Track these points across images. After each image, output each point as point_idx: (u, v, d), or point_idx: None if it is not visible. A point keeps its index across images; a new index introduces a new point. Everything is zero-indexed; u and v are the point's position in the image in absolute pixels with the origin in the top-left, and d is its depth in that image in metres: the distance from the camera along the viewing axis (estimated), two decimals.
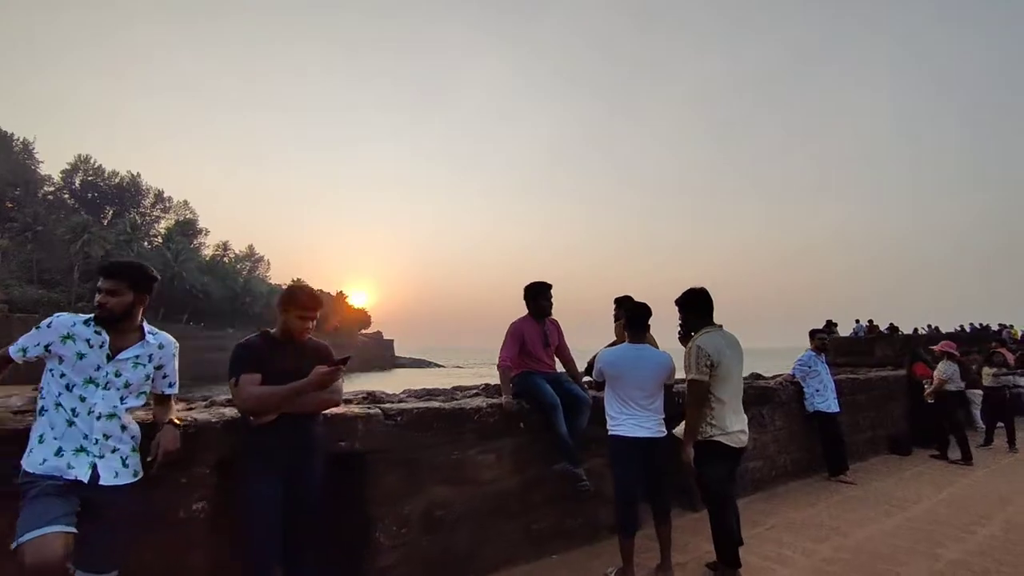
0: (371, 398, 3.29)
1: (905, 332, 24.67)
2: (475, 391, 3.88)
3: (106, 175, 73.76)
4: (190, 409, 2.68)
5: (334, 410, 2.79)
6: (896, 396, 8.04)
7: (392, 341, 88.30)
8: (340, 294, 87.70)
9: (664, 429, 3.26)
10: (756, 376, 6.51)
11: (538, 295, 3.91)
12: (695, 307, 3.30)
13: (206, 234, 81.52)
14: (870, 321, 25.64)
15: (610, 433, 3.30)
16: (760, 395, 5.57)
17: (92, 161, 72.98)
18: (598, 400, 3.70)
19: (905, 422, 7.96)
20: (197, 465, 2.35)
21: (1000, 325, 23.96)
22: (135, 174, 75.71)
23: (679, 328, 3.42)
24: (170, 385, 2.26)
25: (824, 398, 6.03)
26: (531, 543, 3.48)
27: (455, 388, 4.11)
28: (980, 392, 8.93)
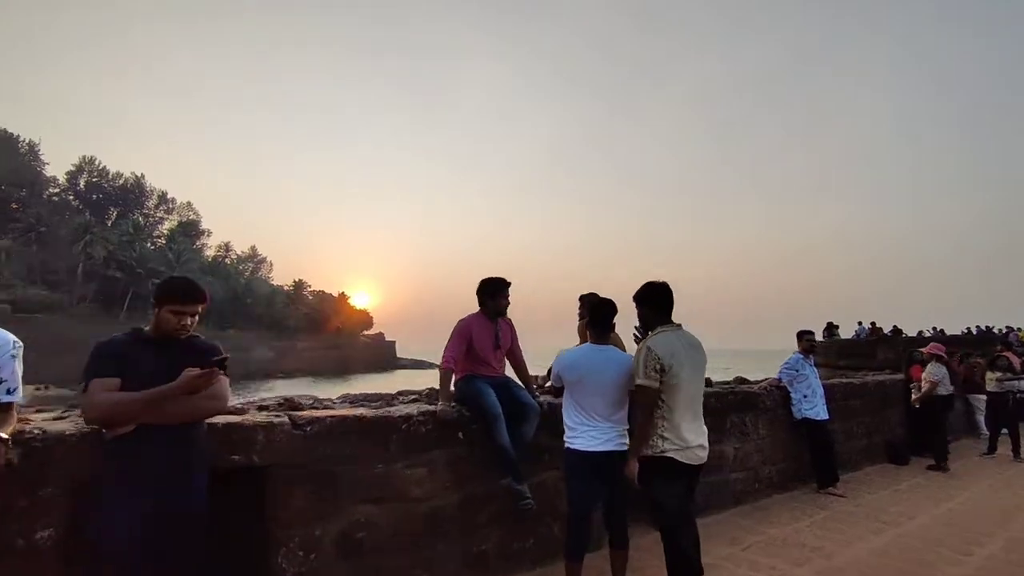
0: (288, 404, 2.96)
1: (909, 334, 24.14)
2: (414, 396, 3.53)
3: (110, 176, 73.96)
4: (60, 419, 2.34)
5: (230, 419, 2.47)
6: (894, 401, 7.63)
7: (394, 342, 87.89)
8: (342, 295, 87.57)
9: (627, 442, 2.91)
10: (740, 380, 6.14)
11: (496, 293, 3.54)
12: (653, 303, 2.93)
13: (208, 235, 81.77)
14: (872, 323, 25.14)
15: (566, 446, 2.96)
16: (743, 401, 5.20)
17: (96, 163, 73.24)
18: (555, 407, 3.35)
19: (903, 429, 7.56)
20: (45, 485, 2.02)
21: (1007, 327, 23.38)
22: (139, 175, 75.98)
23: (635, 329, 3.06)
24: (8, 392, 1.93)
25: (812, 404, 5.63)
26: (472, 567, 3.12)
27: (400, 392, 3.77)
28: (983, 397, 8.51)
